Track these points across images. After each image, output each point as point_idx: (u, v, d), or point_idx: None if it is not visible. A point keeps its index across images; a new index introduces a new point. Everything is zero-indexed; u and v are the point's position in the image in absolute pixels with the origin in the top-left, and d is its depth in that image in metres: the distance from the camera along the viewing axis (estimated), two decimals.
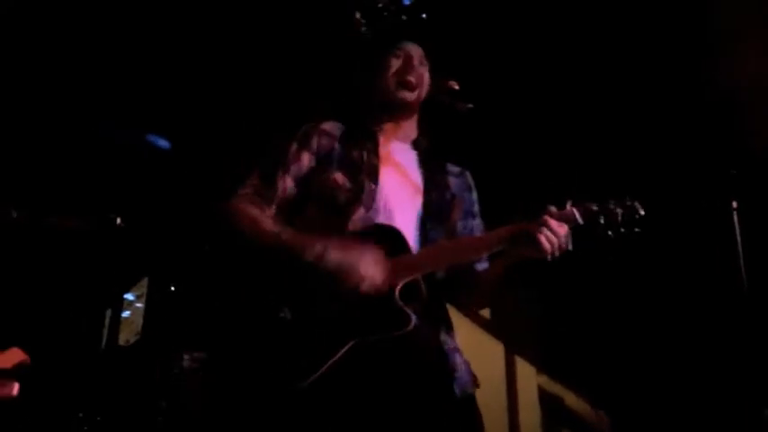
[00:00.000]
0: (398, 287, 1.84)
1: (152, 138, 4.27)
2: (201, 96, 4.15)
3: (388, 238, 1.91)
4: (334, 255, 1.84)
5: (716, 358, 4.06)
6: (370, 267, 1.83)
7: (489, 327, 4.78)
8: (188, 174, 4.53)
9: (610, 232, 1.89)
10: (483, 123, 2.52)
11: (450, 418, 1.88)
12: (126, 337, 4.92)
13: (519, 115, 3.99)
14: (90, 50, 3.85)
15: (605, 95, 3.85)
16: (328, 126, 2.18)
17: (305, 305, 1.85)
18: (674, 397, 4.26)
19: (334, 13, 3.61)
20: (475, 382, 1.98)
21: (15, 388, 1.94)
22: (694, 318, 4.25)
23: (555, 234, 1.84)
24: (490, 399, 4.25)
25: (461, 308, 2.47)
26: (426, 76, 2.21)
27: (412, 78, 2.17)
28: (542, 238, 1.83)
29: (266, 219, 2.00)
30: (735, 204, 2.64)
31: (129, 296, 5.09)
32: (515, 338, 4.90)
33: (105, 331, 5.07)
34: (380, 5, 3.49)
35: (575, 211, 1.90)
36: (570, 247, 1.88)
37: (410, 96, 2.17)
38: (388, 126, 2.21)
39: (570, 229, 1.88)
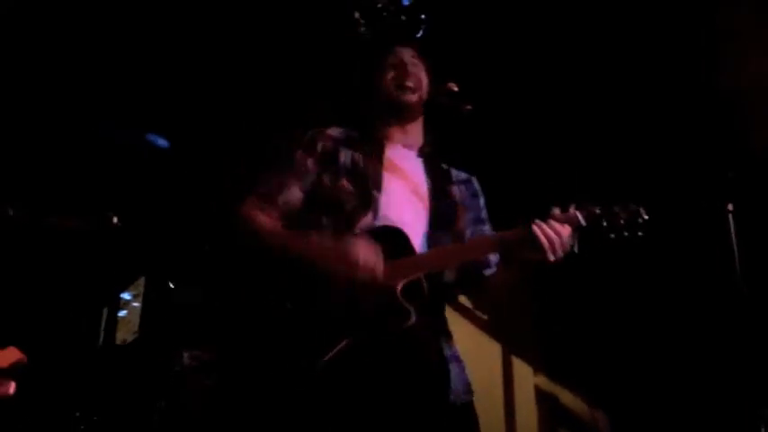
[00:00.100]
0: (400, 285, 1.85)
1: (151, 137, 4.26)
2: (201, 96, 4.14)
3: (390, 239, 1.92)
4: (329, 242, 1.89)
5: (714, 359, 4.06)
6: (362, 251, 1.84)
7: (486, 327, 4.78)
8: (187, 173, 4.52)
9: (612, 235, 1.90)
10: (486, 126, 2.53)
11: (446, 419, 1.88)
12: (123, 336, 4.91)
13: (519, 117, 3.99)
14: (90, 50, 3.85)
15: (605, 96, 3.86)
16: (334, 132, 2.18)
17: (309, 299, 1.87)
18: (672, 398, 4.27)
19: (333, 13, 3.60)
20: (469, 391, 1.98)
21: (12, 387, 1.93)
22: (691, 318, 4.25)
23: (558, 235, 1.85)
24: (487, 399, 4.26)
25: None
26: (423, 75, 2.22)
27: (410, 83, 2.18)
28: (545, 240, 1.84)
29: (274, 225, 2.01)
30: (731, 207, 2.65)
31: (125, 295, 5.09)
32: (512, 339, 4.90)
33: (102, 330, 5.05)
34: (380, 5, 3.49)
35: (578, 213, 1.91)
36: (576, 250, 1.89)
37: (412, 98, 2.18)
38: (393, 131, 2.22)
39: (575, 231, 1.89)
